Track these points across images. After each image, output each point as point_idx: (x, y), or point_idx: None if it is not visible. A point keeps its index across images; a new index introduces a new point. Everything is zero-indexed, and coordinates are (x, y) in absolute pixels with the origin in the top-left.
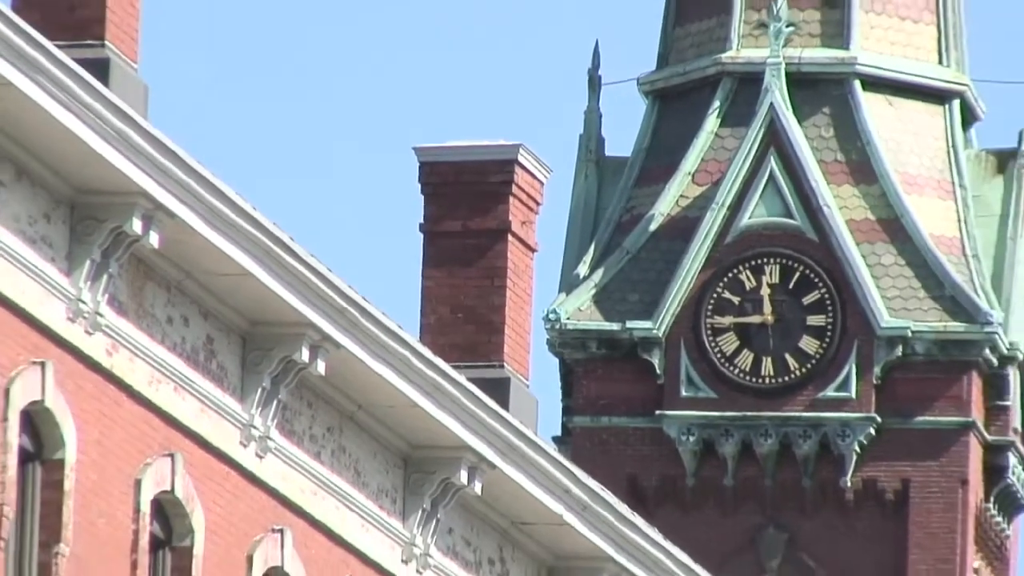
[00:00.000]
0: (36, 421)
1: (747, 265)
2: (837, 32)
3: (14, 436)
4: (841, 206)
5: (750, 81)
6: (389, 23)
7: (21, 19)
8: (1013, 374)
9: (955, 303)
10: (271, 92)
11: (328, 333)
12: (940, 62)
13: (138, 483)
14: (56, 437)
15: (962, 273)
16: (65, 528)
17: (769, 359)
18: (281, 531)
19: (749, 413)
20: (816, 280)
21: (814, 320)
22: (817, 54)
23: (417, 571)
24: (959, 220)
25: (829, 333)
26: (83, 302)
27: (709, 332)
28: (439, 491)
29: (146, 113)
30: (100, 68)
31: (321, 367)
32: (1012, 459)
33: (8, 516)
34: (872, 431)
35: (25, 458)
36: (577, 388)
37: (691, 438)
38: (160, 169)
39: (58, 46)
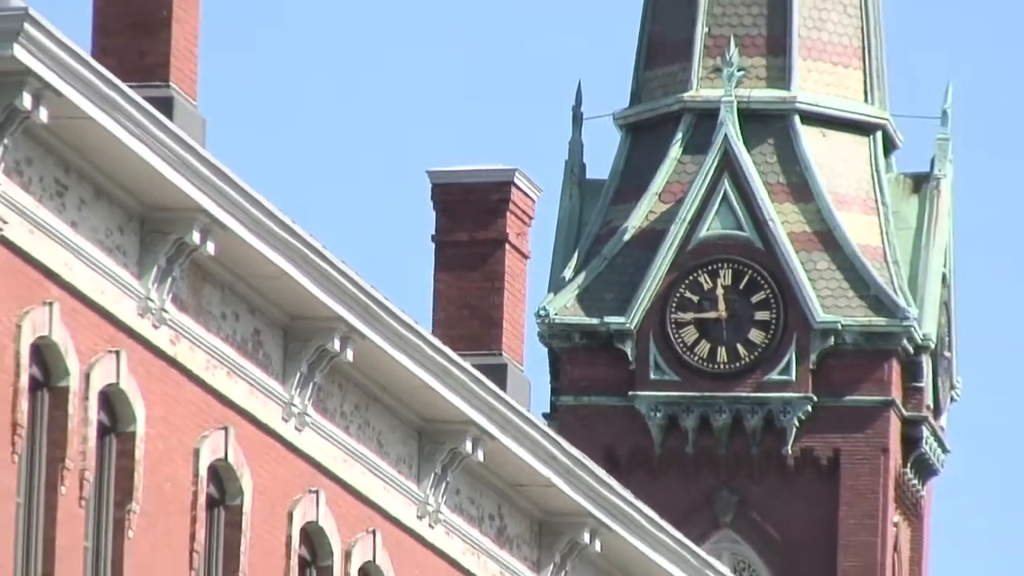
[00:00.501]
0: (112, 400)
1: (705, 270)
2: (780, 76)
3: (94, 413)
4: (783, 220)
5: (707, 116)
6: (405, 69)
7: (100, 64)
8: (926, 361)
9: (878, 301)
10: (308, 123)
11: (356, 326)
12: (866, 100)
13: (196, 452)
14: (128, 414)
15: (884, 276)
16: (136, 490)
17: (723, 348)
18: (316, 492)
19: (706, 393)
20: (762, 282)
21: (760, 316)
22: (763, 94)
23: (429, 525)
24: (881, 232)
25: (773, 327)
26: (151, 300)
27: (673, 326)
28: (448, 458)
29: (204, 142)
30: (165, 105)
31: (350, 355)
32: (925, 432)
33: (89, 480)
34: (809, 408)
35: (103, 431)
36: (563, 372)
37: (658, 414)
38: (215, 189)
39: (130, 87)
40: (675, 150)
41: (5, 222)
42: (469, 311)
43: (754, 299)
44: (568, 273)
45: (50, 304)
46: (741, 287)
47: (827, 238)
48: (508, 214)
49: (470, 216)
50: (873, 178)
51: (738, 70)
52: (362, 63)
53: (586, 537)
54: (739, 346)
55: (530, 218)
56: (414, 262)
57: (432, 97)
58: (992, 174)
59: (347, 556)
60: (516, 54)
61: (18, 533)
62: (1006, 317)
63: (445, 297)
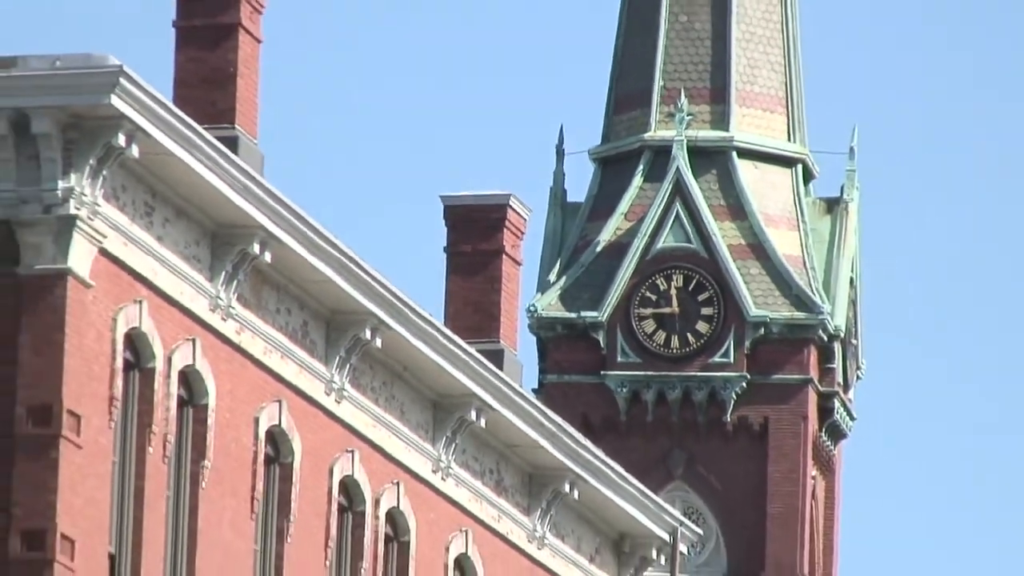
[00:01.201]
0: (189, 378)
1: (661, 274)
2: (720, 120)
3: (174, 388)
4: (723, 235)
5: (663, 152)
6: (423, 114)
7: (180, 110)
8: (837, 347)
9: (799, 300)
10: (346, 157)
11: (384, 319)
12: (789, 139)
13: (256, 419)
14: (202, 389)
15: (803, 280)
16: (208, 450)
17: (676, 337)
18: (352, 451)
19: (662, 373)
20: (707, 284)
21: (705, 311)
22: (707, 134)
23: (442, 478)
24: (802, 245)
25: (715, 320)
26: (220, 299)
27: (636, 319)
28: (457, 424)
29: (262, 172)
30: (231, 143)
31: (379, 342)
32: (836, 403)
33: (170, 442)
34: (744, 385)
35: (181, 403)
36: (548, 356)
37: (624, 389)
38: (271, 210)
39: (204, 128)
40: (637, 179)
41: (104, 236)
42: (473, 307)
43: (700, 298)
44: (552, 277)
45: (140, 302)
46: (690, 288)
47: (758, 249)
48: (504, 230)
49: (474, 231)
50: (795, 201)
51: (687, 115)
52: (388, 111)
53: (567, 487)
54: (688, 335)
55: (522, 233)
56: (430, 268)
57: (444, 137)
58: (890, 198)
59: (376, 503)
60: (512, 103)
61: (113, 485)
62: (901, 312)
63: (454, 296)
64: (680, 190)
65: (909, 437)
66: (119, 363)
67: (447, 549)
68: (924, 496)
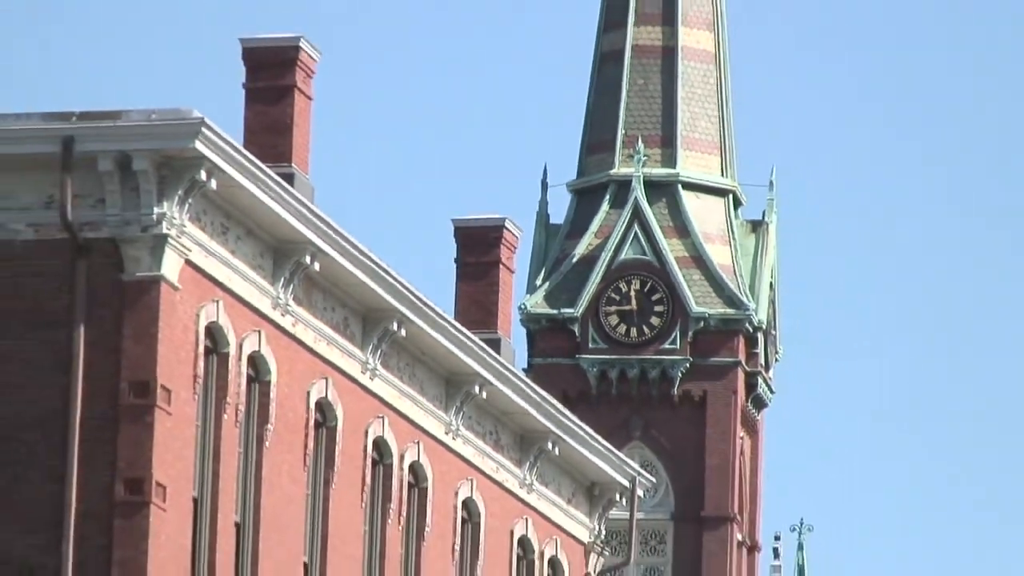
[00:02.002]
0: (256, 361)
1: (623, 280)
2: (669, 160)
3: (244, 368)
4: (672, 250)
5: (625, 185)
6: (434, 154)
7: (248, 152)
8: (760, 336)
9: (731, 300)
10: (378, 189)
11: (407, 315)
12: (722, 175)
13: (308, 393)
14: (266, 369)
15: (734, 284)
16: (270, 416)
17: (634, 328)
18: (383, 417)
19: (624, 356)
20: (659, 288)
21: (658, 309)
22: (659, 171)
23: (452, 438)
24: (732, 257)
25: (665, 315)
26: (280, 299)
27: (603, 315)
28: (464, 397)
29: (313, 200)
30: (288, 178)
31: (403, 333)
32: (759, 380)
33: (241, 410)
34: (687, 366)
35: (250, 380)
36: (535, 344)
37: (594, 369)
38: (320, 230)
39: (267, 166)
40: (604, 206)
41: (189, 250)
42: (477, 306)
43: (653, 298)
44: (538, 282)
45: (217, 301)
46: (645, 291)
47: (699, 260)
48: (501, 246)
49: (477, 247)
50: (727, 223)
51: (643, 156)
52: (411, 153)
53: (550, 446)
54: (644, 327)
55: (515, 248)
56: (444, 275)
57: (455, 173)
58: (802, 219)
59: (402, 458)
60: (507, 146)
61: (196, 445)
62: (811, 309)
63: (462, 297)
64: (638, 214)
65: (817, 406)
66: (201, 349)
67: (456, 494)
68: (828, 451)
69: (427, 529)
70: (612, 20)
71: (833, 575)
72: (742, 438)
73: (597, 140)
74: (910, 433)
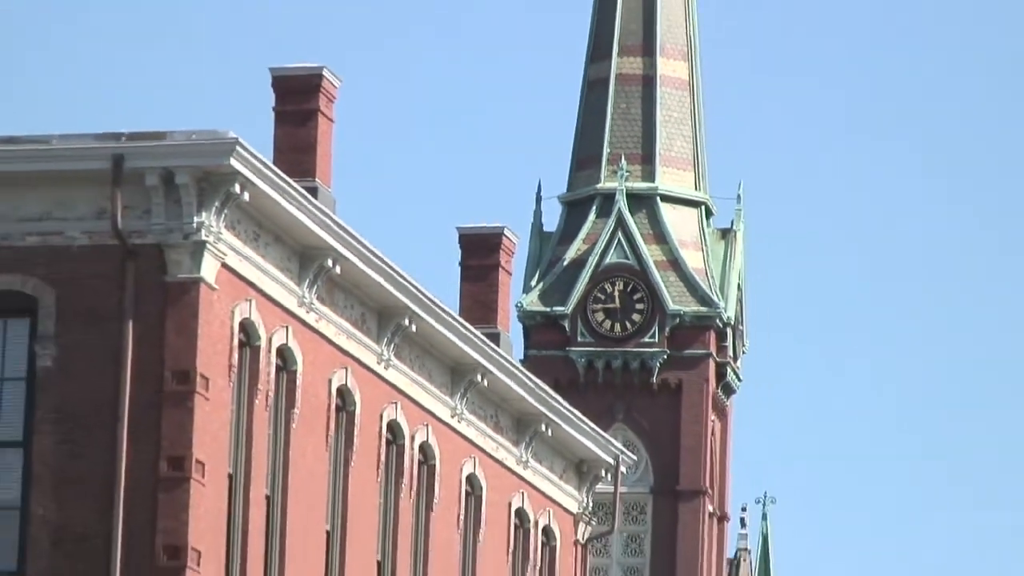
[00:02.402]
0: (284, 352)
1: (608, 281)
2: (649, 175)
3: (273, 359)
4: (651, 254)
5: (609, 197)
6: (444, 169)
7: (277, 168)
8: (729, 331)
9: (703, 299)
10: (392, 201)
11: (417, 312)
12: (696, 189)
13: (330, 381)
14: (292, 360)
15: (706, 285)
16: (296, 401)
17: (618, 324)
18: (396, 403)
19: (609, 349)
20: (640, 288)
21: (639, 307)
22: (640, 185)
23: (457, 421)
24: (705, 261)
25: (645, 313)
26: (305, 298)
27: (591, 312)
28: (467, 384)
29: (334, 211)
30: (312, 191)
31: (414, 328)
32: (728, 370)
33: (271, 396)
34: (665, 357)
35: (278, 369)
36: (530, 337)
37: (582, 360)
38: (340, 237)
39: (294, 180)
40: (591, 216)
41: (224, 254)
42: (479, 304)
43: (635, 297)
44: (533, 283)
45: (250, 300)
46: (628, 291)
47: (675, 264)
48: (500, 251)
49: (479, 252)
50: (700, 231)
51: (625, 172)
52: (422, 168)
53: (544, 427)
54: (627, 323)
55: (512, 253)
56: (450, 276)
57: (460, 187)
58: (766, 228)
59: (413, 438)
60: (507, 164)
61: (230, 427)
62: (773, 307)
63: (466, 295)
64: (621, 224)
65: (780, 393)
66: (235, 342)
67: (461, 470)
68: (790, 432)
69: (435, 501)
70: (598, 52)
71: (794, 542)
72: (713, 421)
73: (585, 157)
74: (864, 415)
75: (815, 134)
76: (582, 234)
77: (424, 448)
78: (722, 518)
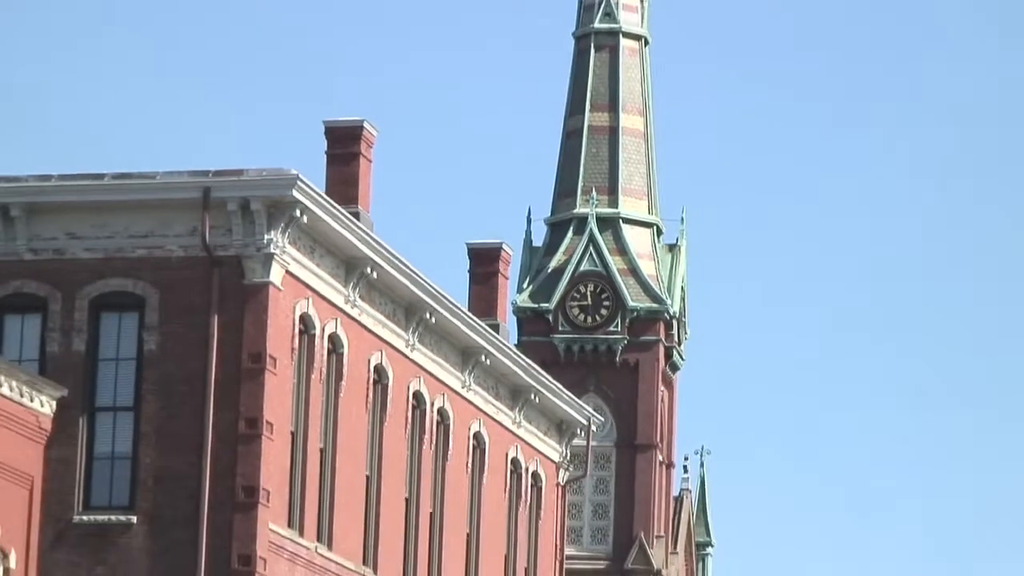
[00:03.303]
0: (333, 340)
1: (583, 284)
2: (614, 203)
3: (325, 344)
4: (615, 263)
5: (583, 220)
6: (457, 197)
7: (328, 197)
8: (675, 323)
9: (655, 298)
10: (415, 224)
11: (436, 309)
12: (649, 213)
13: (368, 360)
14: (340, 344)
15: (657, 287)
16: (343, 376)
17: (590, 317)
18: (420, 377)
19: (583, 336)
20: (606, 290)
21: (606, 303)
22: (607, 211)
23: (466, 391)
24: (656, 269)
25: (610, 308)
26: (349, 296)
27: (569, 307)
28: (474, 363)
29: (372, 229)
30: (356, 215)
31: (434, 320)
32: (675, 352)
33: (323, 372)
34: (625, 342)
35: (329, 352)
36: (523, 327)
37: (563, 344)
38: (377, 251)
39: (342, 207)
40: (570, 234)
41: (288, 264)
42: (484, 301)
43: (602, 297)
44: (524, 285)
45: (308, 298)
46: (597, 292)
47: (633, 271)
48: (499, 261)
49: (484, 262)
50: (653, 246)
51: (596, 200)
52: (440, 197)
53: (532, 396)
54: (596, 316)
55: (509, 263)
56: (461, 280)
57: (470, 213)
58: (705, 244)
59: (432, 404)
60: (504, 195)
61: (292, 396)
62: (710, 304)
63: (474, 295)
64: (592, 240)
65: (714, 369)
66: (296, 331)
67: (469, 429)
68: (721, 398)
69: (449, 452)
70: (574, 107)
71: (725, 483)
72: (662, 391)
73: (564, 189)
74: (779, 383)
75: (743, 168)
76: (562, 248)
77: (441, 412)
78: (669, 465)
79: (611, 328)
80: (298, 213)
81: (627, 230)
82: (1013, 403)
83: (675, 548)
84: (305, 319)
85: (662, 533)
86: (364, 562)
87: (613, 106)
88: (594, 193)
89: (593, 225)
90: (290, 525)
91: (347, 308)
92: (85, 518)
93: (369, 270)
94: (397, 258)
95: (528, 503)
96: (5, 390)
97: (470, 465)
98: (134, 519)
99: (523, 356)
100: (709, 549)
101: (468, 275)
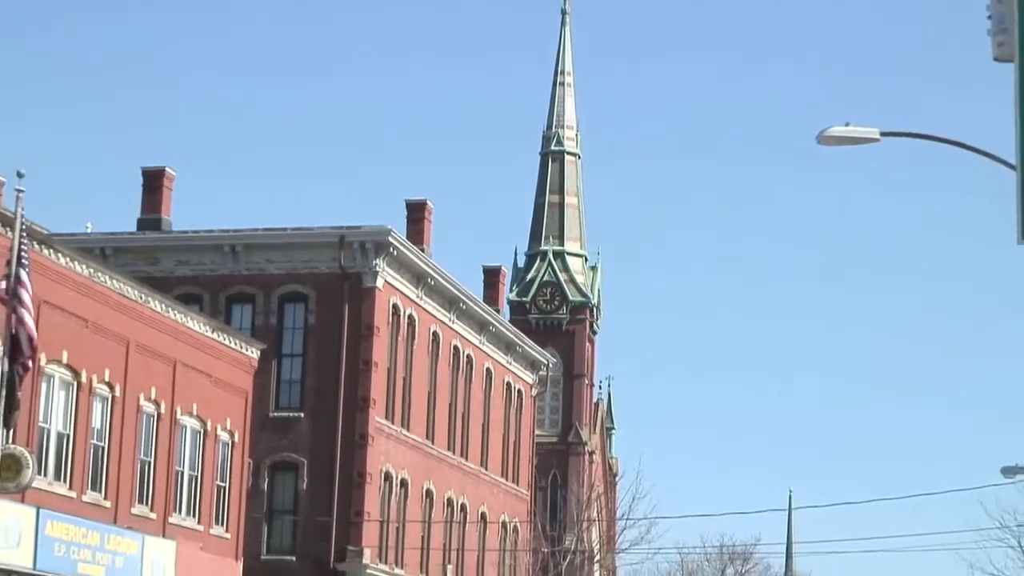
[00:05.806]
0: (410, 319)
1: (545, 288)
2: (561, 243)
3: (404, 321)
4: (562, 277)
5: (546, 253)
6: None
7: (408, 242)
8: (595, 310)
9: (584, 294)
10: (447, 248)
11: (467, 301)
12: (581, 248)
13: (430, 330)
14: (413, 321)
15: (586, 288)
16: (415, 339)
17: (549, 306)
18: (458, 342)
19: (545, 316)
20: (558, 291)
21: (557, 299)
22: (557, 247)
23: (482, 346)
24: (585, 279)
25: (560, 301)
26: (419, 295)
27: (537, 301)
28: (488, 332)
29: (432, 258)
30: (422, 249)
31: (464, 308)
32: (595, 325)
33: (404, 338)
34: (567, 319)
35: (407, 325)
36: (513, 312)
37: (534, 321)
38: (434, 269)
39: (416, 246)
40: (538, 261)
41: (386, 276)
42: (491, 299)
43: (555, 295)
44: (513, 288)
45: (396, 295)
46: (553, 292)
47: (572, 281)
48: (500, 276)
49: (492, 277)
50: (584, 266)
51: (552, 242)
52: (463, 248)
53: (518, 349)
54: (552, 305)
55: (506, 279)
56: (479, 287)
57: (481, 252)
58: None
59: (464, 353)
60: (501, 240)
61: (387, 348)
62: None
63: (486, 296)
64: (550, 264)
65: (616, 334)
66: (390, 313)
67: (484, 366)
68: (620, 351)
69: (472, 379)
70: (539, 191)
71: (626, 402)
72: (588, 346)
73: (535, 236)
74: (661, 338)
75: (639, 222)
76: (534, 268)
77: (468, 357)
78: (591, 385)
79: (560, 312)
80: (392, 250)
81: (569, 259)
82: None
83: (595, 430)
84: (395, 307)
85: (587, 422)
86: (427, 436)
87: (561, 191)
88: (551, 238)
89: (551, 256)
90: (387, 417)
91: (418, 301)
92: (275, 414)
93: (429, 280)
94: (444, 275)
95: (514, 405)
96: (233, 344)
97: (483, 385)
98: (302, 415)
99: (514, 328)
100: (613, 432)
101: (483, 284)
